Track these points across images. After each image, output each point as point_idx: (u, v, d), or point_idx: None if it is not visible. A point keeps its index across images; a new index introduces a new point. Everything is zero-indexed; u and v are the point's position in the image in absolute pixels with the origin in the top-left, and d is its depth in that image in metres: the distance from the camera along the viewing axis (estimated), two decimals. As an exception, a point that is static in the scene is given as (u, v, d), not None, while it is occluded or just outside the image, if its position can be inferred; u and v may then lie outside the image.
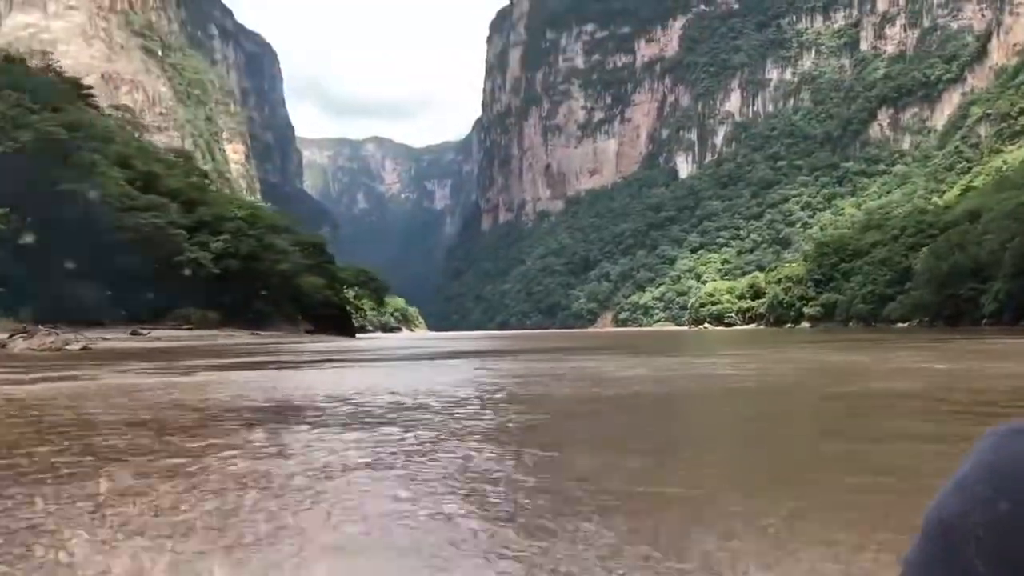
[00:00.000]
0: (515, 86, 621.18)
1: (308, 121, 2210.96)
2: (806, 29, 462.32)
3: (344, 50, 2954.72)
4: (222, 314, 77.59)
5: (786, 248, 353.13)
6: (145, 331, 59.61)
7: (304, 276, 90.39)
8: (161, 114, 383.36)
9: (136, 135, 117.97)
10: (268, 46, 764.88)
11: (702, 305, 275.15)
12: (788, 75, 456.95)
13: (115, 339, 51.70)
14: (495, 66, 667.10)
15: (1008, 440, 0.91)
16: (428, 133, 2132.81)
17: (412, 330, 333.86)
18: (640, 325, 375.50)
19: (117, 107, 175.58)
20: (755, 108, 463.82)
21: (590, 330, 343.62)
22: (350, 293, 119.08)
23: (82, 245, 60.19)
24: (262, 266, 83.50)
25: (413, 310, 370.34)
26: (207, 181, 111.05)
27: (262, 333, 75.14)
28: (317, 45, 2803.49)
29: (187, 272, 73.54)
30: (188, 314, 71.92)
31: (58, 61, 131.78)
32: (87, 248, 60.38)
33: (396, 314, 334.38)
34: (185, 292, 71.64)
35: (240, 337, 68.02)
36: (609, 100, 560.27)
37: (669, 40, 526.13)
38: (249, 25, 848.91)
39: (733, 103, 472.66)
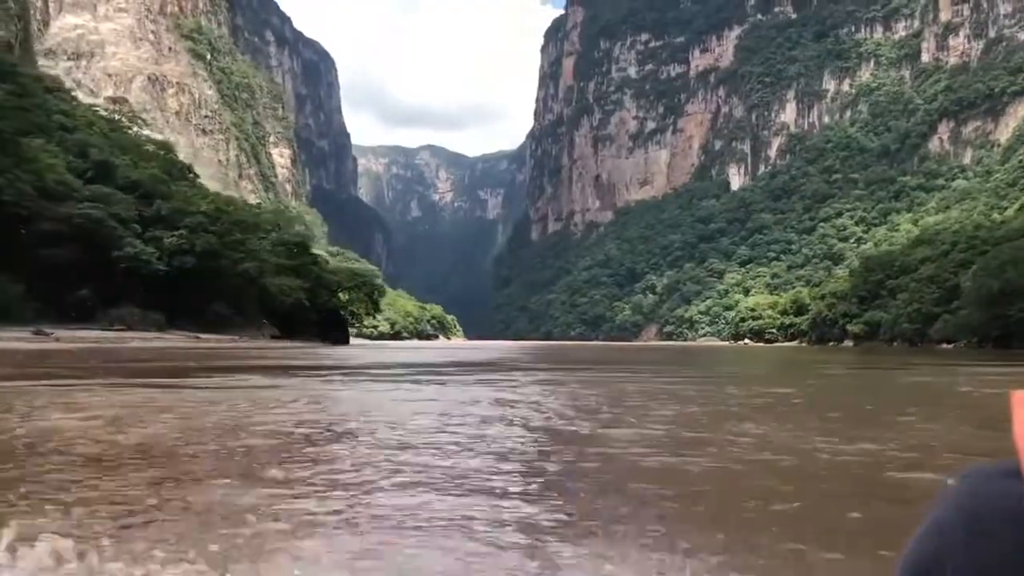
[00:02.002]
0: (567, 95, 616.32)
1: (364, 129, 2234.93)
2: (865, 40, 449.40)
3: (401, 59, 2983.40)
4: (171, 315, 72.01)
5: (838, 264, 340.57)
6: (50, 331, 54.03)
7: (273, 277, 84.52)
8: (207, 117, 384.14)
9: (133, 129, 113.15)
10: (326, 53, 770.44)
11: (742, 320, 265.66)
12: (845, 86, 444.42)
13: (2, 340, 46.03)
14: (548, 75, 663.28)
15: (982, 483, 0.90)
16: (483, 142, 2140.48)
17: (449, 338, 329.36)
18: (685, 339, 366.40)
19: (114, 100, 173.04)
20: (810, 120, 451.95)
21: (633, 343, 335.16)
22: (343, 297, 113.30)
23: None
24: (221, 265, 77.84)
25: (451, 318, 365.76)
26: (192, 176, 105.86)
27: (204, 336, 69.31)
28: (375, 53, 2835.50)
29: (126, 268, 67.90)
30: (124, 315, 66.50)
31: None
32: (2, 241, 55.04)
33: (433, 321, 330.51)
34: (128, 291, 66.26)
35: (171, 341, 62.26)
36: (661, 110, 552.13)
37: (724, 50, 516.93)
38: (307, 32, 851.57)
39: (788, 114, 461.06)
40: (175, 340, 63.51)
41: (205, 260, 75.62)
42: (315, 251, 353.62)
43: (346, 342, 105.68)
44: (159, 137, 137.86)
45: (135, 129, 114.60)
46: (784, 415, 15.10)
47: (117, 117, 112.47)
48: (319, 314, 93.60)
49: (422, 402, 17.36)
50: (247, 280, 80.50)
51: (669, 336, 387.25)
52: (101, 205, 67.47)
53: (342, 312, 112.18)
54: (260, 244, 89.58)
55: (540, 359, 53.58)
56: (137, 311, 68.12)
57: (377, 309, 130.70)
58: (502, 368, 36.11)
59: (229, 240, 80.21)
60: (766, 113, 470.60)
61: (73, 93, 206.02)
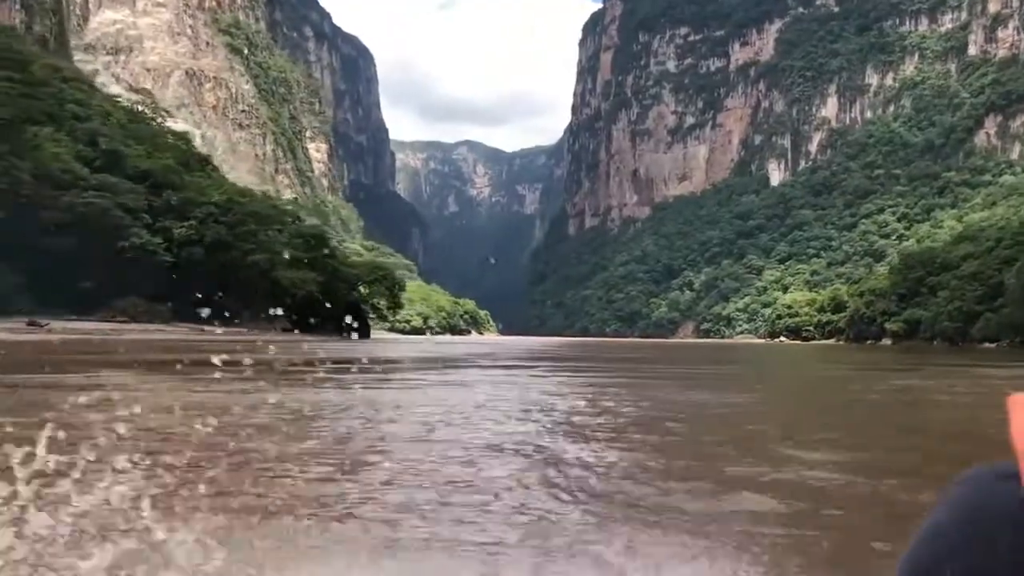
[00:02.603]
0: (605, 90, 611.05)
1: (402, 124, 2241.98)
2: (910, 32, 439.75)
3: (440, 55, 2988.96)
4: (179, 307, 70.43)
5: (879, 261, 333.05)
6: (44, 322, 52.68)
7: (285, 270, 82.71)
8: (244, 111, 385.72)
9: (157, 120, 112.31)
10: (365, 49, 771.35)
11: (779, 317, 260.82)
12: (889, 80, 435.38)
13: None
14: (586, 70, 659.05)
15: (981, 486, 0.89)
16: (521, 137, 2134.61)
17: (481, 333, 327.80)
18: (722, 337, 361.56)
19: (137, 90, 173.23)
20: (852, 114, 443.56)
21: (669, 340, 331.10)
22: (364, 290, 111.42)
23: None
24: (231, 256, 76.21)
25: (483, 313, 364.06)
26: (210, 167, 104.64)
27: (209, 329, 67.51)
28: (414, 49, 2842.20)
29: (131, 258, 66.44)
30: (128, 306, 65.06)
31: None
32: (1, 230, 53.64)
33: (466, 316, 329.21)
34: (134, 282, 64.78)
35: (171, 333, 60.69)
36: (700, 105, 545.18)
37: (764, 44, 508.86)
38: (346, 28, 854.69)
39: (829, 109, 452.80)
40: (177, 332, 62.00)
41: (214, 251, 74.17)
42: (349, 245, 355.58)
43: (366, 336, 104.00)
44: (180, 128, 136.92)
45: (158, 120, 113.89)
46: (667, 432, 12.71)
47: (140, 109, 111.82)
48: (337, 308, 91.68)
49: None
50: (258, 272, 78.94)
51: (706, 333, 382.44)
52: (107, 194, 66.18)
53: (363, 306, 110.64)
54: (274, 236, 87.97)
55: (584, 358, 51.10)
56: (142, 302, 66.75)
57: (398, 303, 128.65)
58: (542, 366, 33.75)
59: (240, 231, 78.73)
60: (807, 108, 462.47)
61: (102, 85, 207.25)
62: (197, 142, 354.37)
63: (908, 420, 14.92)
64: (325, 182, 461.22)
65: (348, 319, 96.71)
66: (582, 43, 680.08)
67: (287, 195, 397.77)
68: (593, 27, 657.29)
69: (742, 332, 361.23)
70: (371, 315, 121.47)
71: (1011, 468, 0.85)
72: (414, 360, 40.38)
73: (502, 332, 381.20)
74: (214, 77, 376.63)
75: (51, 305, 58.66)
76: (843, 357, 63.87)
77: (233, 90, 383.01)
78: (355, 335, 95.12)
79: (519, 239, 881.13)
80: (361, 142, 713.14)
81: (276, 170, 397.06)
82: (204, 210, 76.86)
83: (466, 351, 57.74)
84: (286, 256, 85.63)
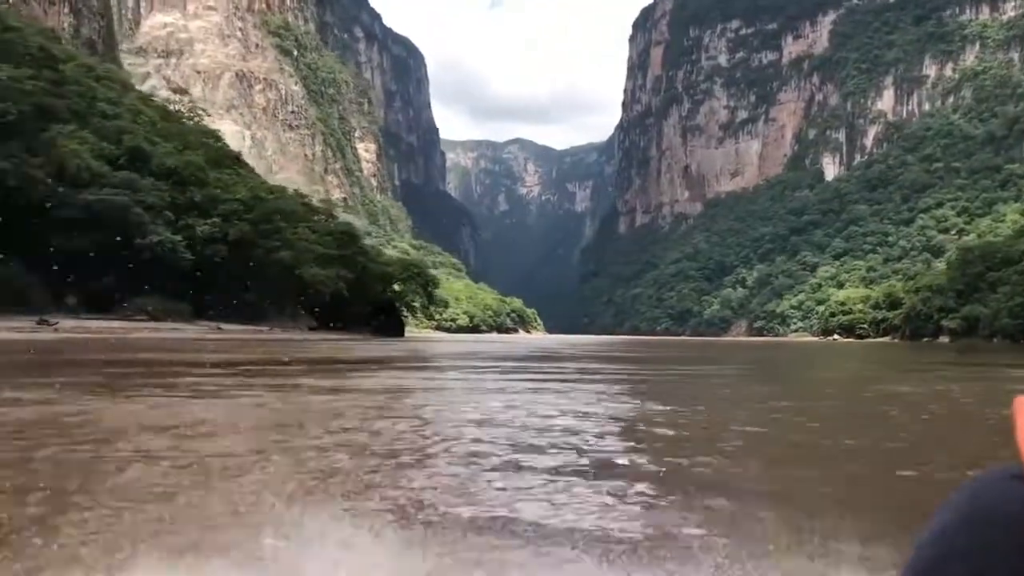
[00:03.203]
0: (655, 85, 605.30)
1: (453, 123, 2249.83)
2: (970, 21, 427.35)
3: (491, 54, 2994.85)
4: (202, 306, 69.39)
5: (938, 256, 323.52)
6: (54, 321, 51.70)
7: (311, 267, 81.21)
8: (293, 112, 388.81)
9: (193, 119, 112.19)
10: (415, 49, 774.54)
11: (832, 315, 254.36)
12: (948, 71, 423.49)
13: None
14: (636, 65, 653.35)
15: (987, 487, 0.88)
16: (572, 135, 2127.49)
17: (528, 332, 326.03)
18: (776, 335, 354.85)
19: (176, 90, 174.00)
20: (909, 107, 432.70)
21: (723, 339, 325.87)
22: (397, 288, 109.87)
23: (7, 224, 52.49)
24: (255, 254, 74.89)
25: (531, 312, 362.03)
26: (240, 164, 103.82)
27: (228, 327, 66.37)
28: (464, 48, 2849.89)
29: (149, 256, 65.35)
30: (147, 304, 64.02)
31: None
32: (13, 227, 52.76)
33: (513, 315, 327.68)
34: (155, 280, 63.64)
35: (187, 332, 59.37)
36: (753, 99, 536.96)
37: (818, 36, 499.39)
38: (397, 29, 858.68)
39: (885, 102, 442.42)
40: (192, 331, 60.75)
41: (238, 249, 72.93)
42: (397, 244, 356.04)
43: (400, 334, 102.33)
44: (229, 129, 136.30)
45: (195, 120, 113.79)
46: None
47: (177, 108, 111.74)
48: (366, 306, 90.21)
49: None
50: (282, 270, 77.64)
51: (759, 332, 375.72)
52: (127, 192, 65.26)
53: (397, 304, 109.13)
54: (303, 233, 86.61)
55: (641, 359, 48.67)
56: (161, 301, 65.70)
57: (432, 300, 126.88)
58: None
59: (264, 228, 77.49)
60: (862, 100, 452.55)
61: (153, 88, 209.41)
62: (247, 143, 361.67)
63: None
64: (374, 181, 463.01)
65: (381, 317, 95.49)
66: (632, 39, 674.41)
67: (336, 195, 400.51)
68: (643, 22, 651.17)
69: (796, 330, 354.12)
70: (405, 313, 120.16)
71: (1019, 470, 0.85)
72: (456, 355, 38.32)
73: (549, 331, 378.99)
74: (264, 79, 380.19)
75: (68, 304, 57.85)
76: (882, 355, 60.51)
77: (283, 91, 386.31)
78: (389, 333, 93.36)
79: (570, 237, 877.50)
80: (412, 142, 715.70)
81: (325, 170, 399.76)
82: (228, 207, 75.76)
83: (505, 350, 55.58)
84: (314, 253, 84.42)
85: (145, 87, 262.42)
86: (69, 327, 50.99)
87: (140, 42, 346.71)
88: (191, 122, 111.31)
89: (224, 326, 66.63)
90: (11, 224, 52.55)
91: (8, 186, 55.38)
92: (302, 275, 79.18)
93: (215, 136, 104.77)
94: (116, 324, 56.58)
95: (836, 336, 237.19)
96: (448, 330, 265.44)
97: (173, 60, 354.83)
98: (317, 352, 40.09)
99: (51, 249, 57.05)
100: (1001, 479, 0.86)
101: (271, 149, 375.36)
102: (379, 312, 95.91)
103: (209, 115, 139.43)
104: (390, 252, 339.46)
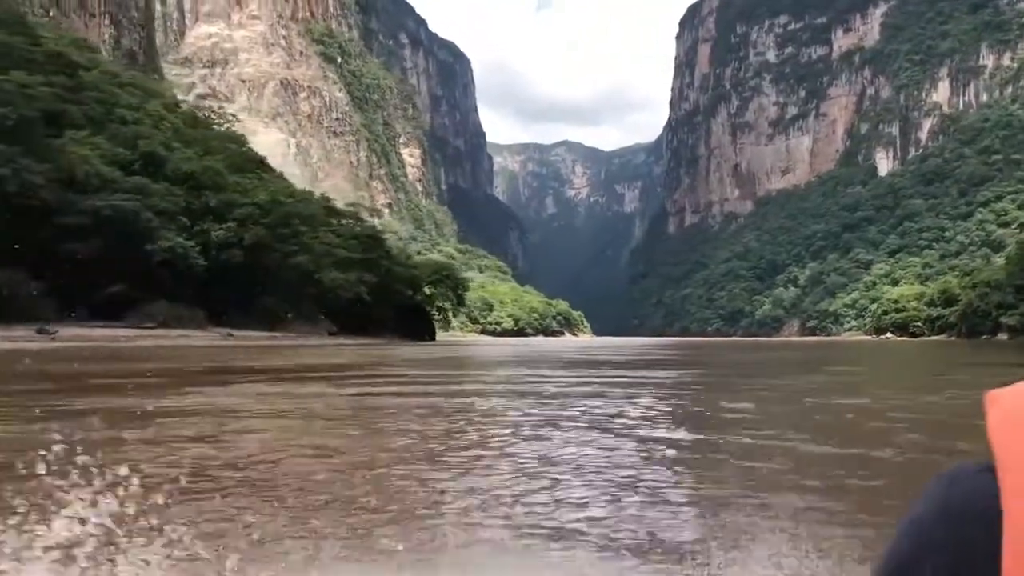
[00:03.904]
0: (703, 83, 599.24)
1: (500, 127, 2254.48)
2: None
3: (537, 57, 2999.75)
4: (218, 312, 67.77)
5: (998, 252, 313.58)
6: (53, 330, 50.22)
7: (330, 271, 79.31)
8: (337, 119, 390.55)
9: (223, 124, 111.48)
10: (461, 54, 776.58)
11: (885, 313, 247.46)
12: (1006, 60, 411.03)
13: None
14: (683, 64, 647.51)
15: (959, 481, 0.88)
16: (620, 135, 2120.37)
17: (575, 334, 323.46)
18: (829, 334, 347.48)
19: (203, 96, 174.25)
20: (966, 98, 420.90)
21: (776, 339, 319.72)
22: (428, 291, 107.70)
23: (10, 231, 51.25)
24: (272, 258, 73.20)
25: (577, 314, 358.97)
26: (264, 170, 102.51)
27: (239, 334, 64.64)
28: (511, 52, 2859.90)
29: (160, 262, 63.88)
30: (157, 312, 62.51)
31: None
32: (17, 234, 51.49)
33: (559, 318, 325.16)
34: (164, 286, 62.22)
35: (194, 339, 57.68)
36: (803, 94, 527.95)
37: (869, 28, 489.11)
38: (443, 34, 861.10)
39: (940, 94, 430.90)
40: (200, 338, 59.13)
41: (254, 253, 71.26)
42: (443, 248, 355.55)
43: (430, 338, 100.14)
44: (259, 135, 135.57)
45: (226, 125, 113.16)
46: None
47: (205, 115, 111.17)
48: (396, 309, 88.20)
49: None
50: (301, 274, 75.91)
51: (812, 331, 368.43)
52: (138, 197, 63.91)
53: (427, 307, 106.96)
54: (323, 237, 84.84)
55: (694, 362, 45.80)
56: (173, 308, 64.23)
57: (462, 303, 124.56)
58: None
59: (281, 232, 75.83)
60: (916, 93, 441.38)
61: (198, 98, 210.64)
62: (292, 150, 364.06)
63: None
64: (419, 186, 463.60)
65: (410, 321, 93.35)
66: (679, 37, 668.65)
67: (381, 200, 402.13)
68: (690, 20, 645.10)
69: (850, 329, 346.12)
70: (438, 316, 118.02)
71: (990, 464, 0.86)
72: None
73: (597, 333, 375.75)
74: (308, 86, 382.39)
75: (75, 312, 56.57)
76: (941, 354, 56.69)
77: (327, 98, 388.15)
78: (418, 337, 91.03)
79: (619, 238, 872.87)
80: (458, 146, 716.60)
81: (370, 176, 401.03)
82: (244, 211, 74.17)
83: (533, 354, 52.91)
84: (334, 257, 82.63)
85: (190, 97, 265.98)
86: (69, 336, 49.57)
87: (185, 53, 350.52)
88: (220, 128, 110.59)
89: (237, 332, 65.03)
90: (15, 231, 51.32)
91: (7, 192, 54.14)
92: (321, 279, 77.48)
93: (239, 141, 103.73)
94: (120, 332, 55.14)
95: (889, 335, 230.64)
96: (493, 333, 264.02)
97: (218, 70, 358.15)
98: (297, 359, 37.77)
99: (58, 256, 55.82)
100: (974, 474, 0.87)
101: (316, 156, 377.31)
102: (408, 316, 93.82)
103: (240, 120, 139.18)
104: (435, 256, 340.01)
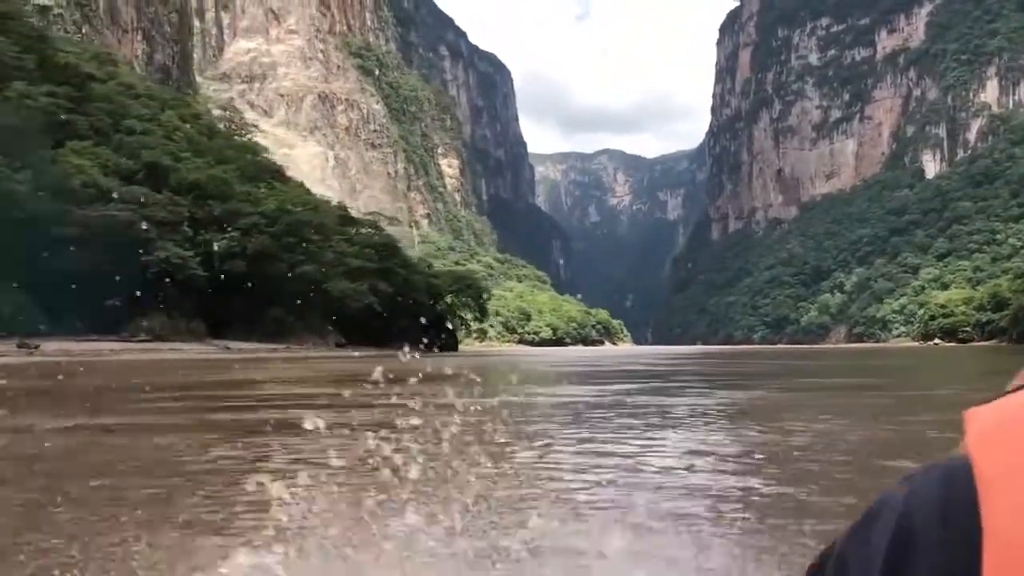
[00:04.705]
0: (744, 88, 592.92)
1: (540, 137, 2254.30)
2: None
3: (577, 66, 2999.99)
4: (221, 324, 66.09)
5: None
6: (35, 344, 48.75)
7: (338, 281, 77.31)
8: (375, 131, 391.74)
9: (244, 135, 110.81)
10: (502, 65, 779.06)
11: (932, 318, 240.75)
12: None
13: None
14: (724, 69, 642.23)
15: (957, 483, 0.82)
16: (662, 143, 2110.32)
17: (615, 343, 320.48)
18: (877, 340, 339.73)
19: (224, 107, 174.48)
20: (1016, 97, 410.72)
21: (820, 346, 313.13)
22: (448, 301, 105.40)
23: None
24: (277, 268, 71.42)
25: (616, 323, 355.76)
26: (279, 179, 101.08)
27: (237, 346, 62.82)
28: (551, 62, 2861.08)
29: (158, 273, 62.24)
30: (154, 324, 60.92)
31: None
32: (4, 246, 50.19)
33: (598, 327, 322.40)
34: (162, 298, 60.52)
35: (187, 353, 55.88)
36: (847, 97, 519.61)
37: (914, 29, 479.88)
38: (483, 46, 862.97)
39: (989, 93, 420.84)
40: (193, 351, 57.38)
41: (258, 263, 69.59)
42: (481, 258, 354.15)
43: (452, 349, 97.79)
44: (264, 142, 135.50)
45: (247, 136, 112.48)
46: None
47: (227, 125, 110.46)
48: (414, 320, 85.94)
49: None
50: (307, 284, 74.04)
51: (859, 338, 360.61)
52: (135, 207, 62.52)
53: (449, 317, 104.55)
54: (337, 246, 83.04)
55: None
56: (169, 321, 62.66)
57: (484, 312, 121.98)
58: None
59: (288, 241, 74.17)
60: (964, 93, 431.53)
61: (238, 112, 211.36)
62: (330, 163, 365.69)
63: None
64: (458, 197, 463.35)
65: (429, 331, 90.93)
66: (719, 43, 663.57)
67: (420, 211, 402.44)
68: (730, 25, 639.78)
69: (899, 335, 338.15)
70: (460, 326, 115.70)
71: (957, 465, 0.82)
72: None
73: (638, 342, 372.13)
74: (345, 99, 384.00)
75: (68, 326, 55.09)
76: (993, 361, 53.15)
77: (364, 111, 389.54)
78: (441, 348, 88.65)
79: (662, 246, 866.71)
80: (499, 157, 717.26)
81: (408, 187, 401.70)
82: (249, 220, 72.70)
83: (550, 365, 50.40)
84: (345, 267, 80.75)
85: (227, 112, 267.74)
86: (52, 350, 48.10)
87: (224, 68, 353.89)
88: (241, 138, 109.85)
89: (236, 345, 63.30)
90: (2, 243, 50.07)
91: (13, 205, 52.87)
92: (328, 289, 75.68)
93: (255, 150, 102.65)
94: (108, 346, 53.59)
95: (937, 340, 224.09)
96: (531, 343, 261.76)
97: (256, 84, 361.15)
98: (245, 374, 35.54)
99: (47, 270, 54.41)
100: (937, 475, 0.84)
101: (354, 168, 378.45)
102: (427, 326, 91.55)
103: (261, 131, 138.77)
104: (473, 266, 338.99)
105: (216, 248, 69.60)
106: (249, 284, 66.26)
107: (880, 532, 0.82)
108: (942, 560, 0.77)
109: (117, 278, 56.55)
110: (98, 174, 64.10)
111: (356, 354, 63.57)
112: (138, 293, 57.40)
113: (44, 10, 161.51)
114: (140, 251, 61.49)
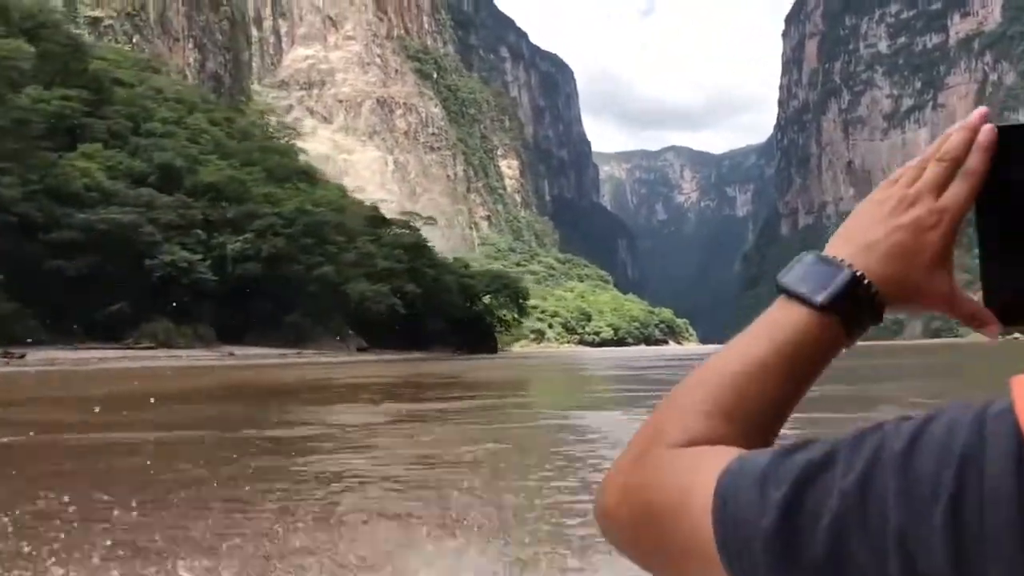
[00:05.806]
0: (812, 79, 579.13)
1: (605, 135, 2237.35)
2: None
3: (642, 63, 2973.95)
4: (234, 328, 63.82)
5: None
6: (19, 353, 46.76)
7: (359, 282, 74.55)
8: (434, 134, 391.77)
9: (283, 138, 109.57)
10: (564, 65, 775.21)
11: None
12: None
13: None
14: (791, 61, 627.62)
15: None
16: (729, 138, 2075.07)
17: (680, 343, 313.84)
18: (955, 335, 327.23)
19: (263, 112, 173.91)
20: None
21: (896, 342, 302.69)
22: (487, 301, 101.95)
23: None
24: (294, 271, 69.02)
25: (681, 322, 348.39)
26: (309, 180, 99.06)
27: (241, 352, 60.28)
28: (615, 60, 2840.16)
29: (163, 277, 60.31)
30: (158, 330, 58.90)
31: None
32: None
33: (662, 326, 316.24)
34: (169, 303, 58.37)
35: (185, 360, 53.50)
36: (918, 85, 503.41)
37: (989, 11, 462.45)
38: (544, 46, 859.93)
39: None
40: (194, 359, 55.09)
41: (273, 266, 67.34)
42: (542, 259, 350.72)
43: (490, 351, 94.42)
44: (323, 148, 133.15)
45: (285, 139, 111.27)
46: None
47: (265, 129, 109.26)
48: (447, 322, 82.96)
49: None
50: (326, 286, 71.58)
51: (936, 333, 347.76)
52: (141, 210, 60.66)
53: (487, 319, 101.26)
54: (362, 247, 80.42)
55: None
56: (177, 326, 60.63)
57: (523, 312, 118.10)
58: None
59: (305, 243, 71.76)
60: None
61: (296, 120, 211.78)
62: (389, 167, 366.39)
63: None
64: (518, 198, 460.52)
65: (465, 333, 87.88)
66: (785, 34, 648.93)
67: (480, 213, 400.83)
68: (796, 15, 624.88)
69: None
70: (501, 328, 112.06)
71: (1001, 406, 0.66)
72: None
73: (704, 341, 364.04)
74: (404, 103, 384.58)
75: (68, 333, 53.28)
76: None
77: (423, 114, 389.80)
78: (475, 350, 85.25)
79: (731, 243, 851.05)
80: (563, 157, 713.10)
81: (468, 189, 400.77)
82: (265, 222, 70.57)
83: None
84: (366, 268, 78.06)
85: (288, 119, 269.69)
86: (37, 359, 46.15)
87: (282, 76, 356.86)
88: (280, 141, 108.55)
89: (242, 351, 60.90)
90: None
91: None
92: (348, 291, 73.09)
93: (283, 152, 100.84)
94: (97, 354, 51.48)
95: (1018, 335, 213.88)
96: (591, 344, 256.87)
97: (315, 91, 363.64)
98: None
99: (45, 276, 52.67)
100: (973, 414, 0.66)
101: (413, 172, 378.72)
102: (464, 328, 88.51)
103: (301, 134, 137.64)
104: (534, 267, 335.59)
105: (230, 251, 67.62)
106: (265, 287, 64.11)
107: (932, 467, 0.66)
108: (1015, 516, 0.62)
109: (119, 283, 54.73)
110: (103, 177, 62.58)
111: (371, 359, 60.72)
112: (146, 299, 55.58)
113: (96, 22, 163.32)
114: (144, 256, 59.57)
